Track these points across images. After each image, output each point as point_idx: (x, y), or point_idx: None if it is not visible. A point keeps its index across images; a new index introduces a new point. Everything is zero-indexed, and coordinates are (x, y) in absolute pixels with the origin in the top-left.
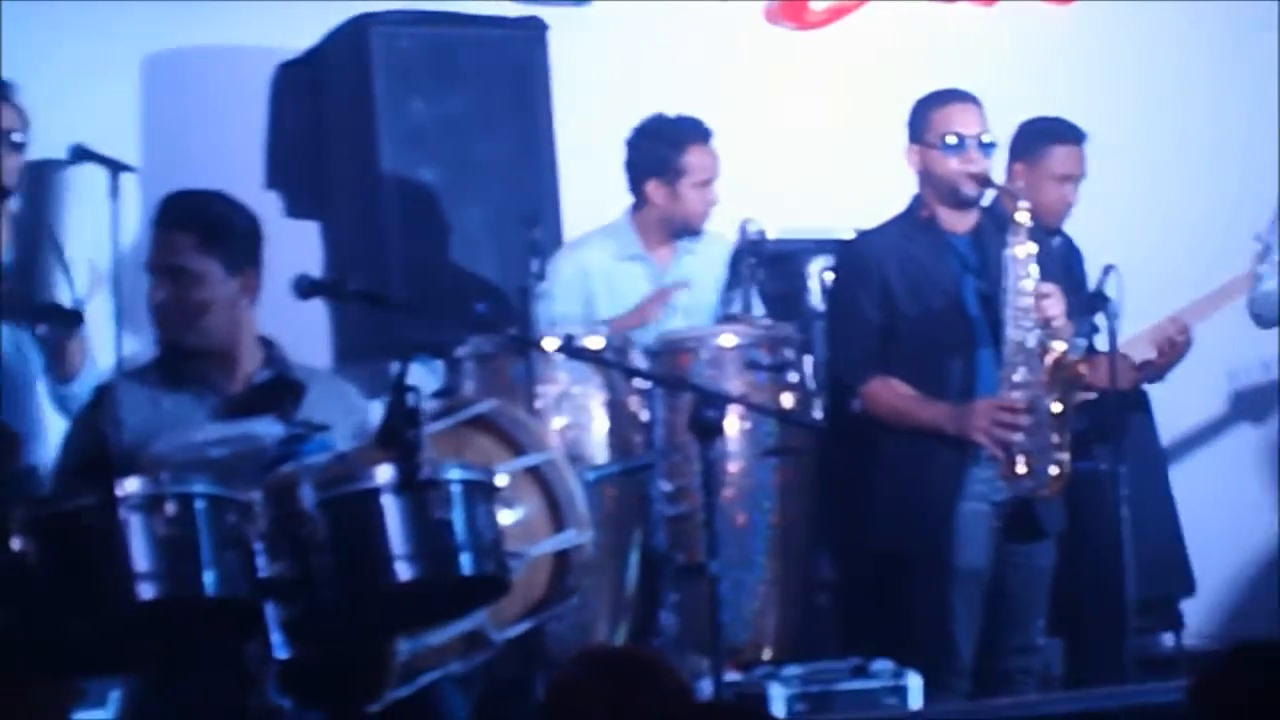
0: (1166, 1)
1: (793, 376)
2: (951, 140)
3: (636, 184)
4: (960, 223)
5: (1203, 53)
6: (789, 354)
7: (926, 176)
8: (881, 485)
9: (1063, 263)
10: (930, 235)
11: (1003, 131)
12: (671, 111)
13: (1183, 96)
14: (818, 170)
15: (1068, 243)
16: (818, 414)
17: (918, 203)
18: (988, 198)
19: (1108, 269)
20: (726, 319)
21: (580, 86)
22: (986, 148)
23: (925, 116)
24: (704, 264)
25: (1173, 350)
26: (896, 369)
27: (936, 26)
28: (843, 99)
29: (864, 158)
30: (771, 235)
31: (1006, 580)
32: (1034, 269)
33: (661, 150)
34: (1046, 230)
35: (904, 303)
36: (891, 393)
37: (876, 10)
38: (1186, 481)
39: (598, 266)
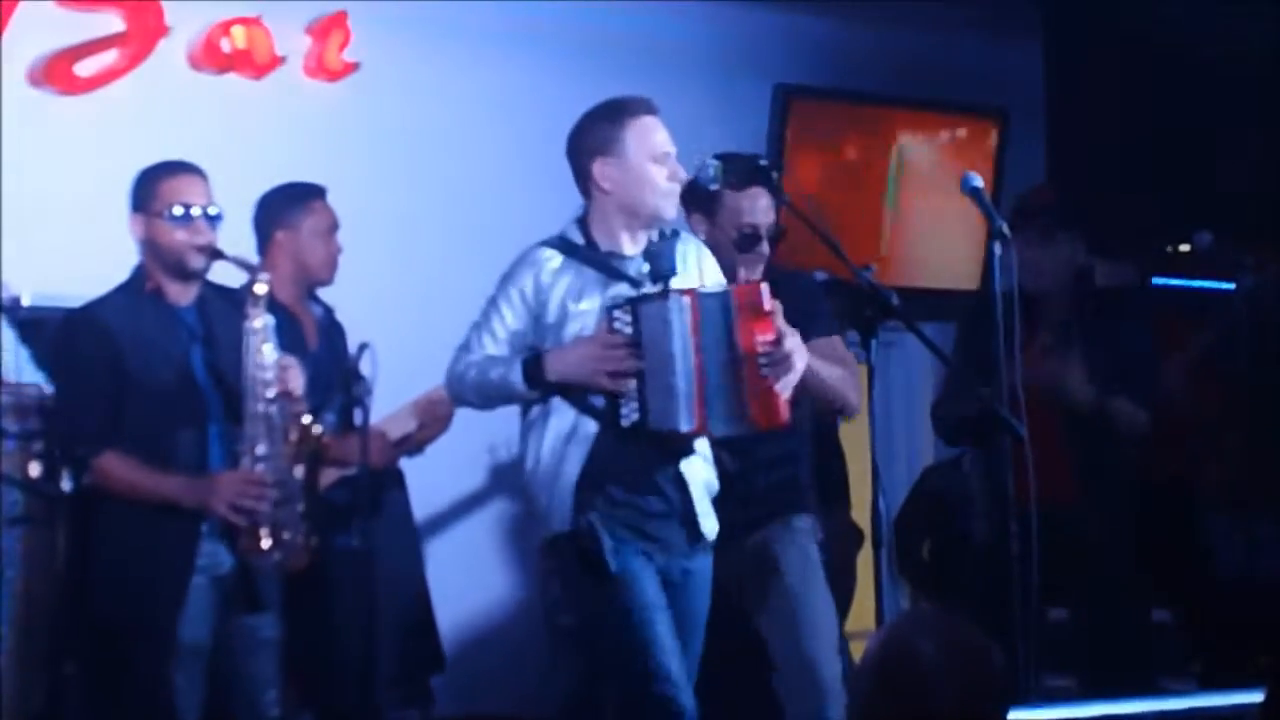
0: (443, 82)
1: (42, 444)
2: (178, 211)
3: None
4: (184, 294)
5: (471, 133)
6: (36, 423)
7: (151, 247)
8: (106, 559)
9: (325, 337)
10: (156, 306)
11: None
12: None
13: (444, 175)
14: (81, 236)
15: (329, 317)
16: (67, 483)
17: (141, 273)
18: (241, 274)
19: (362, 346)
20: None
21: None
22: (213, 219)
23: (150, 187)
24: None
25: (434, 423)
26: (129, 442)
27: (205, 96)
28: (102, 165)
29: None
30: (26, 301)
31: (232, 653)
32: (272, 339)
33: None
34: (320, 283)
35: (134, 375)
36: (123, 466)
37: (143, 78)
38: (442, 556)
39: None
